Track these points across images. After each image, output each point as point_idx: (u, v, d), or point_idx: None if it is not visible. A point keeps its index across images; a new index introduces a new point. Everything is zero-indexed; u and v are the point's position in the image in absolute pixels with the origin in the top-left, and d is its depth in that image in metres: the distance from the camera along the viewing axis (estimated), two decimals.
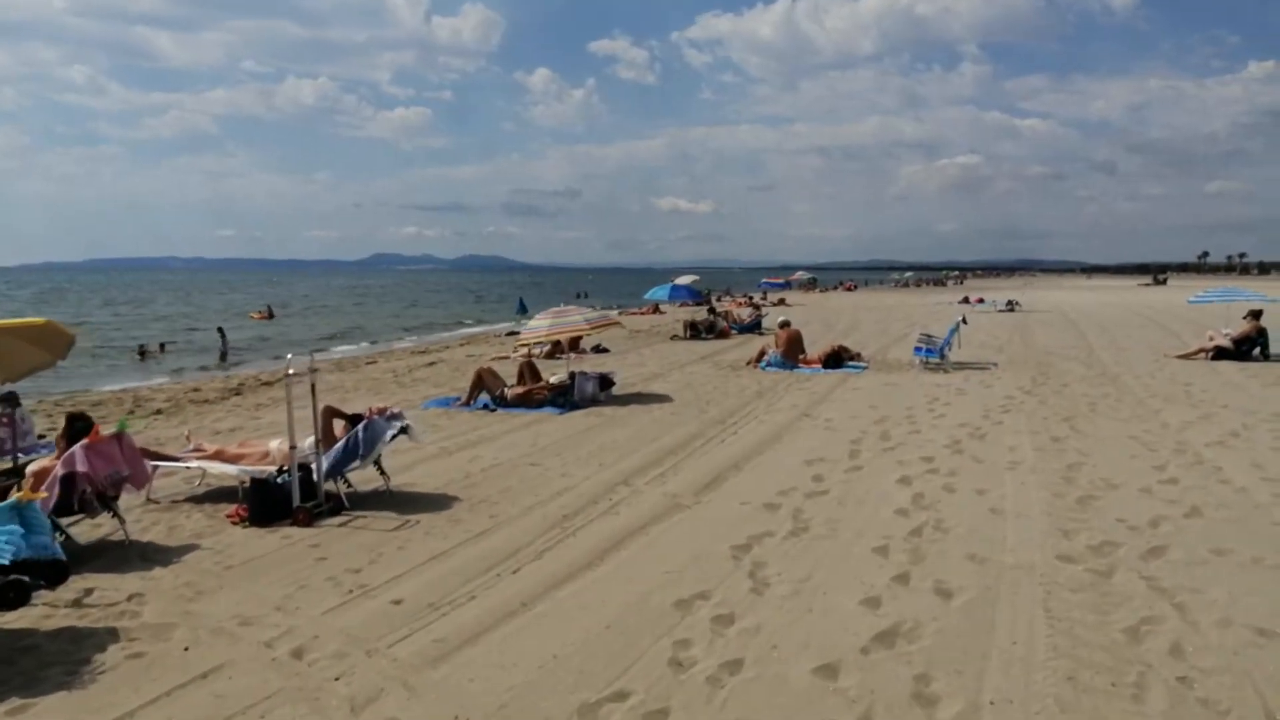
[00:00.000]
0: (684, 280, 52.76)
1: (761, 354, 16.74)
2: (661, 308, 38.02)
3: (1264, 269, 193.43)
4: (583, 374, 12.55)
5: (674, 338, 24.16)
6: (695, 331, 24.38)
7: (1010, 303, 35.59)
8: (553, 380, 12.04)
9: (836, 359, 16.18)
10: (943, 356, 15.89)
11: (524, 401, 11.81)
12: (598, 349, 20.71)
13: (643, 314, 37.61)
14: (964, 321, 16.78)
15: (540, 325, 12.24)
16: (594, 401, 12.35)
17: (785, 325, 16.96)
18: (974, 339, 21.47)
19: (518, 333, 29.83)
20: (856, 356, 16.88)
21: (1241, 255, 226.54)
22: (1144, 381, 13.62)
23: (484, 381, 12.05)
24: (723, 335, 24.61)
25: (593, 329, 12.22)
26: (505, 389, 12.09)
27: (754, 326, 26.20)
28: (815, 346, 16.99)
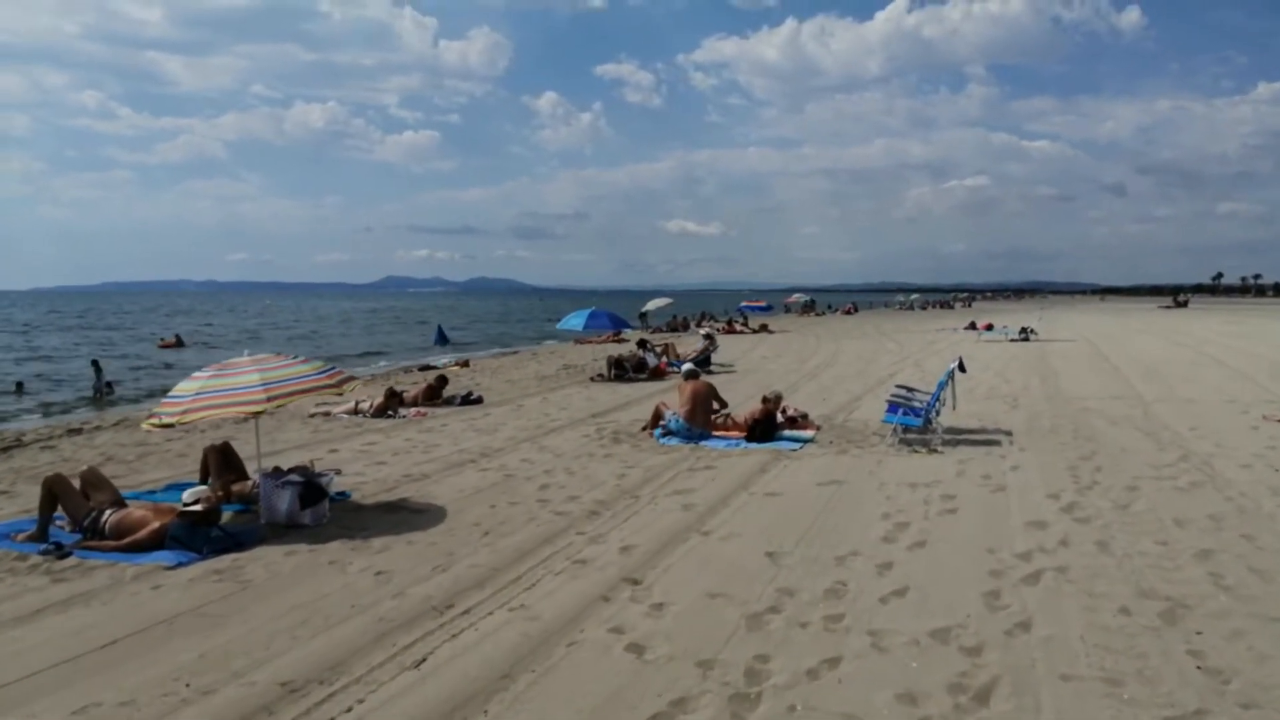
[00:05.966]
0: (657, 304, 47.19)
1: (657, 417, 11.22)
2: (624, 335, 32.48)
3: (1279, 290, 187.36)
4: (276, 477, 7.03)
5: (596, 378, 18.74)
6: (621, 370, 18.91)
7: (1025, 330, 29.89)
8: (184, 503, 6.46)
9: (767, 426, 10.62)
10: (928, 423, 10.32)
11: (130, 537, 6.29)
12: (468, 399, 15.26)
13: (599, 342, 32.07)
14: (960, 369, 11.23)
15: (185, 391, 6.75)
16: (291, 524, 6.87)
17: (692, 376, 11.42)
18: (980, 382, 15.87)
19: (432, 367, 24.61)
20: (800, 420, 11.31)
21: (1256, 276, 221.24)
22: (1263, 480, 8.01)
23: (57, 498, 6.54)
24: (657, 375, 19.13)
25: (271, 402, 6.67)
26: (109, 510, 6.57)
27: (702, 363, 20.52)
28: (769, 394, 11.24)
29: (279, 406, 6.76)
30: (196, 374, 7.06)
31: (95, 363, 25.87)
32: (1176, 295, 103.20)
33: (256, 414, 6.68)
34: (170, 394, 6.94)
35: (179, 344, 38.04)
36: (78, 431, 13.13)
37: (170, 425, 6.67)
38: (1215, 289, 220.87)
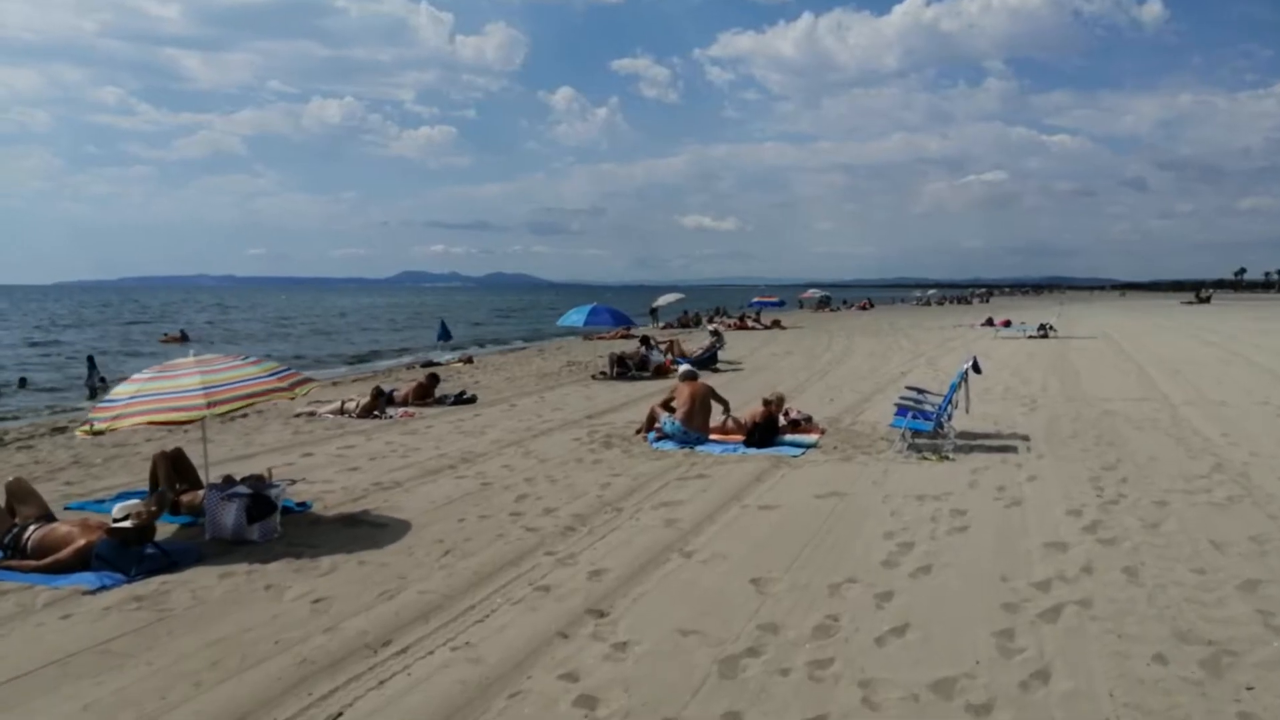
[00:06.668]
0: (667, 299, 46.31)
1: (652, 420, 10.59)
2: (633, 331, 31.76)
3: None
4: (223, 488, 6.46)
5: (598, 375, 18.15)
6: (624, 369, 18.30)
7: (1043, 327, 29.02)
8: (113, 518, 5.88)
9: (767, 430, 9.97)
10: (940, 427, 9.63)
11: (52, 556, 5.73)
12: (461, 398, 14.69)
13: (608, 338, 31.41)
14: (975, 369, 10.52)
15: (120, 395, 6.18)
16: (238, 540, 6.29)
17: (690, 378, 10.77)
18: (996, 382, 15.15)
19: (434, 364, 24.07)
20: (804, 424, 10.65)
21: (1279, 271, 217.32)
22: None
23: None
24: (661, 373, 18.47)
25: (212, 408, 6.08)
26: (33, 525, 6.01)
27: (708, 361, 19.89)
28: (771, 395, 10.50)
29: (221, 414, 6.17)
30: (135, 375, 6.49)
31: (90, 359, 25.59)
32: (1199, 291, 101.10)
33: (196, 421, 6.09)
34: (106, 397, 6.37)
35: (183, 339, 37.66)
36: (61, 430, 12.66)
37: (101, 432, 6.10)
38: (1238, 284, 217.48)
